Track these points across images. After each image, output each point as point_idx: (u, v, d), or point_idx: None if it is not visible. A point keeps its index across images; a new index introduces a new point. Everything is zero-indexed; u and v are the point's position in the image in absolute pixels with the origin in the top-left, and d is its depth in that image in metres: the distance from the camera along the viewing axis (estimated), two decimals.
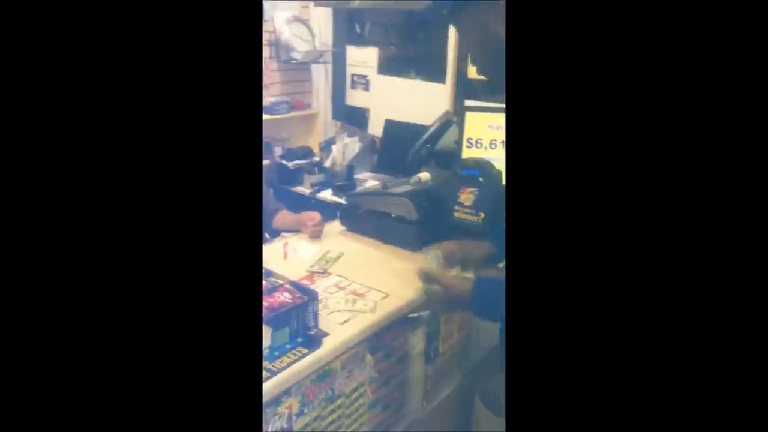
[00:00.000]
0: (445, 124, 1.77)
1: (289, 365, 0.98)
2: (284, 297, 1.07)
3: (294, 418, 1.02)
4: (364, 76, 2.77)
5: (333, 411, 1.12)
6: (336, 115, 2.90)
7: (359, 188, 2.30)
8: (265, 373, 0.95)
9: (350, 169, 2.42)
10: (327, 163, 2.49)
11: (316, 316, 1.09)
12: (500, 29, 0.95)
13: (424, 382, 1.39)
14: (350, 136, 2.53)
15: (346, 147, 2.42)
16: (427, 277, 1.13)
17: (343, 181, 2.39)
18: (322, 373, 1.07)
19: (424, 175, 1.63)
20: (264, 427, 0.96)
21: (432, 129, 1.76)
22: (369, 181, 2.39)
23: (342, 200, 2.05)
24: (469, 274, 1.22)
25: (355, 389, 1.17)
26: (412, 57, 2.64)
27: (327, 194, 2.40)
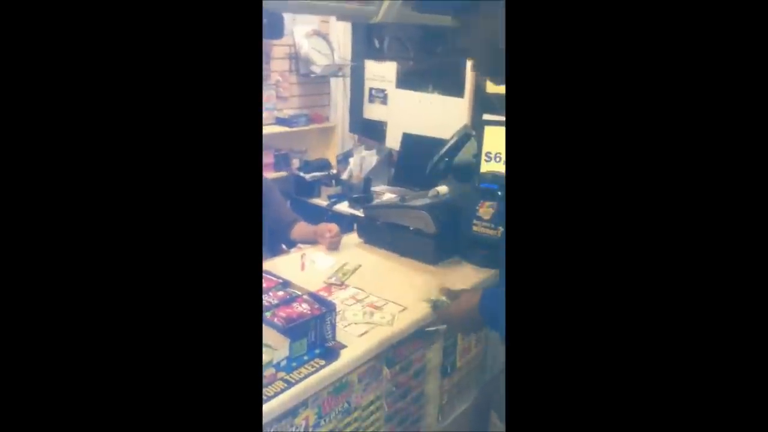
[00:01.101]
0: (463, 137, 1.77)
1: (306, 376, 0.98)
2: (302, 308, 1.07)
3: (311, 429, 1.02)
4: (383, 90, 2.79)
5: (349, 424, 1.11)
6: (353, 129, 2.92)
7: (376, 201, 2.31)
8: (282, 384, 0.95)
9: (367, 181, 2.42)
10: (344, 176, 2.50)
11: (333, 327, 1.09)
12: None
13: (440, 397, 1.37)
14: (367, 149, 2.54)
15: (364, 160, 2.44)
16: (441, 292, 1.14)
17: (360, 194, 2.40)
18: (339, 386, 1.06)
19: (443, 189, 1.63)
20: None
21: (450, 142, 1.76)
22: (386, 194, 2.40)
23: (359, 212, 2.06)
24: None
25: (372, 402, 1.16)
26: (430, 71, 2.66)
27: (344, 206, 2.41)
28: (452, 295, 1.15)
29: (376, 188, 2.47)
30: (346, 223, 2.05)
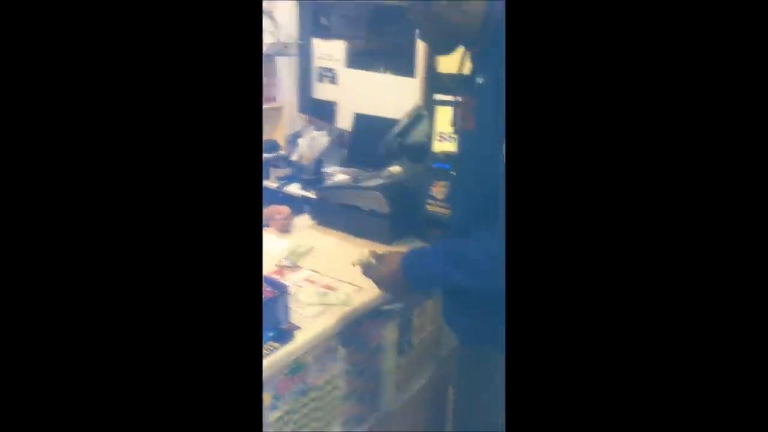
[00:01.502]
0: (416, 117, 1.77)
1: None
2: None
3: (267, 411, 1.00)
4: (331, 70, 2.74)
5: (305, 404, 1.10)
6: (303, 109, 2.86)
7: (329, 182, 2.28)
8: None
9: (318, 162, 2.39)
10: (294, 157, 2.45)
11: (287, 309, 1.07)
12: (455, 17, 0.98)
13: (397, 374, 1.38)
14: (318, 129, 2.50)
15: (314, 140, 2.39)
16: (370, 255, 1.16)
17: (311, 175, 2.36)
18: (295, 367, 1.05)
19: (396, 169, 1.63)
20: None
21: (403, 123, 1.75)
22: (338, 175, 2.37)
23: (310, 194, 2.03)
24: None
25: (329, 382, 1.16)
26: (380, 50, 2.63)
27: (295, 188, 2.37)
28: (380, 258, 1.14)
29: (328, 169, 2.44)
30: (297, 205, 2.02)
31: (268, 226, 1.62)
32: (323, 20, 2.79)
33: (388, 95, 2.48)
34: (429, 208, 1.48)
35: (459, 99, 1.08)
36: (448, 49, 1.06)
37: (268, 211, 1.63)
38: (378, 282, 1.13)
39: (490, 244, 0.90)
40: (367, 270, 1.15)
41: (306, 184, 2.33)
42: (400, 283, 1.07)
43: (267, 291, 1.05)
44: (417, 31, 1.12)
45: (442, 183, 1.48)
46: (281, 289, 1.06)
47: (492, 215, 0.89)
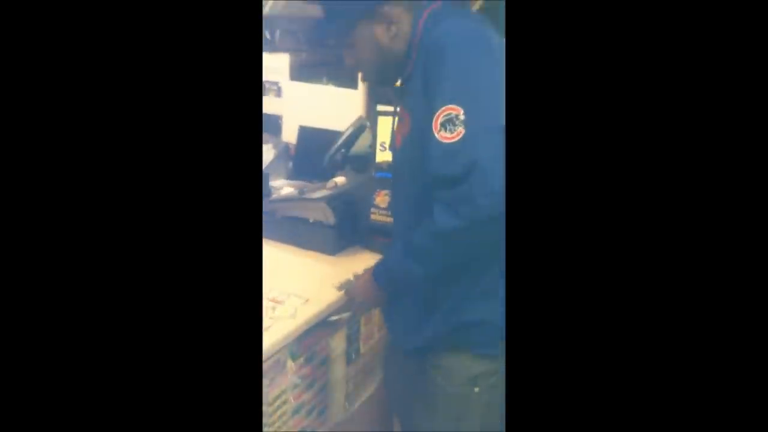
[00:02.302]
0: (358, 129, 1.80)
1: None
2: None
3: None
4: (276, 83, 2.74)
5: None
6: None
7: (274, 195, 2.27)
8: None
9: (265, 176, 2.38)
10: None
11: None
12: (385, 39, 1.02)
13: (346, 384, 1.40)
14: (264, 143, 2.49)
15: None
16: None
17: None
18: None
19: (340, 179, 1.65)
20: None
21: (346, 134, 1.78)
22: (285, 188, 2.36)
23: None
24: None
25: (278, 397, 1.16)
26: (323, 63, 2.65)
27: None
28: (357, 276, 1.20)
29: (275, 183, 2.42)
30: None
31: None
32: (266, 34, 2.79)
33: (332, 107, 2.50)
34: (373, 216, 1.51)
35: (398, 109, 1.12)
36: (381, 77, 1.11)
37: None
38: (357, 299, 1.17)
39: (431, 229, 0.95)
40: (348, 291, 1.20)
41: None
42: (374, 294, 1.11)
43: None
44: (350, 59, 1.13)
45: (384, 192, 1.52)
46: None
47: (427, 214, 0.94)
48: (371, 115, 2.26)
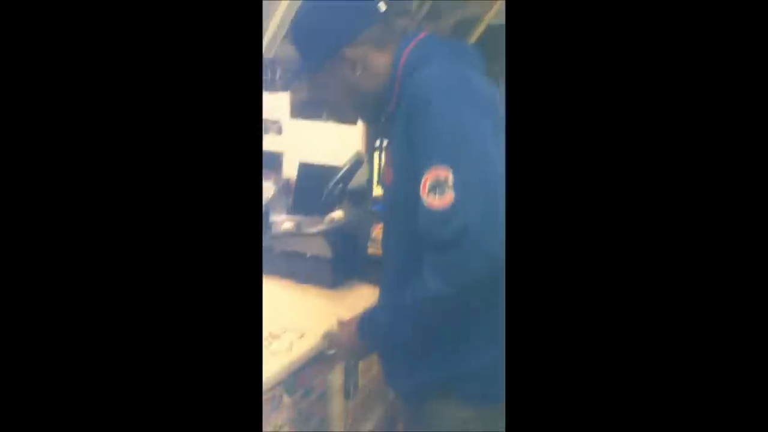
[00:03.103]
0: (356, 164, 1.84)
1: None
2: None
3: None
4: (277, 121, 2.80)
5: None
6: None
7: (273, 231, 2.30)
8: None
9: (266, 213, 2.41)
10: None
11: None
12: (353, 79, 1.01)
13: (345, 419, 1.38)
14: (265, 179, 2.53)
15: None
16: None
17: None
18: None
19: (338, 214, 1.67)
20: None
21: (344, 170, 1.81)
22: (285, 222, 2.39)
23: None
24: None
25: None
26: (322, 101, 2.72)
27: None
28: (342, 325, 1.15)
29: (276, 218, 2.46)
30: None
31: None
32: (268, 74, 2.87)
33: (332, 143, 2.55)
34: (370, 250, 1.53)
35: (384, 145, 1.13)
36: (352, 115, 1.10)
37: None
38: (339, 348, 1.15)
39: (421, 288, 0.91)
40: (331, 341, 1.17)
41: None
42: (358, 345, 1.08)
43: None
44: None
45: (381, 225, 1.53)
46: None
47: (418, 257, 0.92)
48: (370, 150, 2.31)
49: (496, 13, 2.48)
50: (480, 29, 2.42)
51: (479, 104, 0.91)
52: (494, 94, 0.96)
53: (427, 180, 0.86)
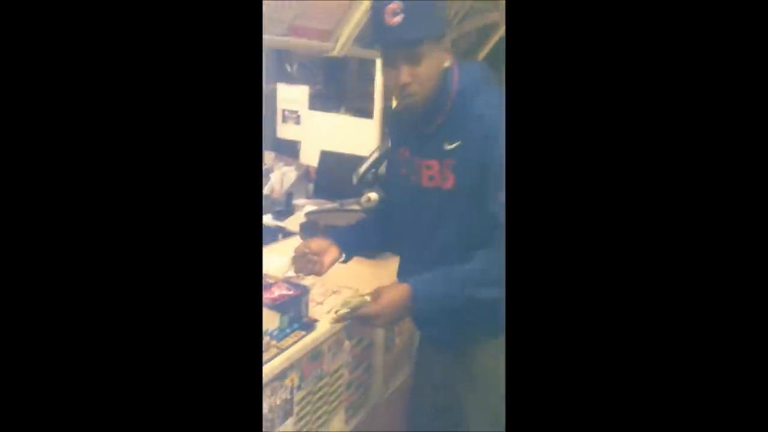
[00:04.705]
0: (385, 153, 2.07)
1: (293, 344, 1.18)
2: (281, 291, 1.27)
3: (294, 390, 1.21)
4: (295, 111, 3.00)
5: (321, 388, 1.31)
6: (266, 147, 3.09)
7: (298, 212, 2.50)
8: (275, 350, 1.14)
9: (289, 195, 2.61)
10: (266, 191, 2.66)
11: (307, 305, 1.29)
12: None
13: (384, 369, 1.61)
14: (287, 165, 2.73)
15: (284, 175, 2.62)
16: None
17: (282, 207, 2.58)
18: (314, 354, 1.26)
19: (373, 195, 1.89)
20: (273, 398, 1.14)
21: (373, 157, 2.04)
22: (307, 206, 2.60)
23: (282, 223, 2.27)
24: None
25: (336, 370, 1.37)
26: (339, 95, 2.93)
27: (267, 219, 2.57)
28: (374, 293, 1.11)
29: (297, 201, 2.66)
30: (271, 234, 2.23)
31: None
32: (287, 67, 3.06)
33: (347, 134, 2.77)
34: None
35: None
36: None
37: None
38: (385, 311, 1.07)
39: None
40: (376, 298, 1.09)
41: (278, 215, 2.54)
42: (396, 318, 1.08)
43: (290, 291, 1.27)
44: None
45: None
46: (302, 290, 1.28)
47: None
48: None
49: None
50: (498, 35, 2.63)
51: None
52: None
53: None
